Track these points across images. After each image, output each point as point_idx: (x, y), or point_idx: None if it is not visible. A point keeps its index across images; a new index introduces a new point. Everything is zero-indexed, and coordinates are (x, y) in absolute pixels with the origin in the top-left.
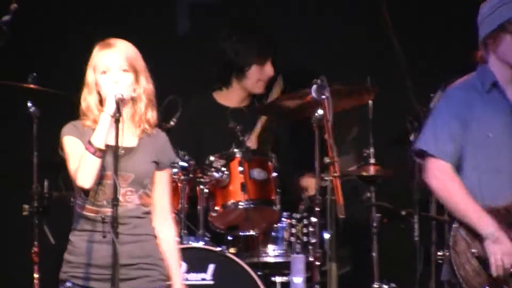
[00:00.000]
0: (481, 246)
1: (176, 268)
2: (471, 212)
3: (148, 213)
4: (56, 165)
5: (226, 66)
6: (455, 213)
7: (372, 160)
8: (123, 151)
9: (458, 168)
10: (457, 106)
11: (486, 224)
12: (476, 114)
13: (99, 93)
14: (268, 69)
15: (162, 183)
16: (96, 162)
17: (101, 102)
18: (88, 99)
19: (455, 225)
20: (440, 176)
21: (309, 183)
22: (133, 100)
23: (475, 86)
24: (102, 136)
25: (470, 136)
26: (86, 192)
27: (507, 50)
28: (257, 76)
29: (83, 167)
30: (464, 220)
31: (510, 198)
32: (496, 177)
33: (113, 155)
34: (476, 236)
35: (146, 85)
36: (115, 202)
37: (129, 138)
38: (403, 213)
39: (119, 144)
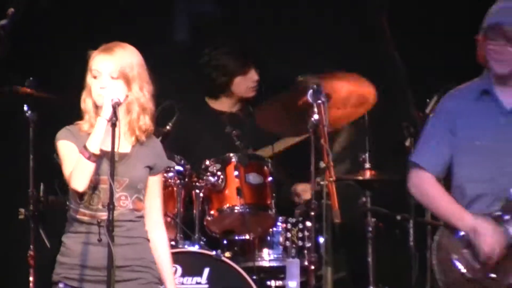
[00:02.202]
0: (459, 250)
1: (169, 270)
2: (449, 212)
3: (141, 217)
4: (52, 169)
5: (212, 80)
6: (439, 217)
7: (367, 165)
8: (117, 157)
9: (451, 175)
10: (445, 117)
11: (466, 220)
12: (464, 123)
13: (90, 95)
14: (253, 75)
15: (154, 187)
16: (90, 167)
17: (95, 104)
18: (86, 101)
19: (437, 236)
20: (418, 183)
21: (304, 189)
22: (127, 107)
23: (467, 94)
24: (98, 141)
25: (458, 144)
26: (81, 196)
27: (490, 58)
28: (243, 85)
29: (77, 171)
30: (447, 221)
31: (495, 205)
32: (482, 184)
33: (108, 160)
34: (457, 242)
35: (138, 93)
36: (111, 206)
37: (123, 144)
38: (399, 218)
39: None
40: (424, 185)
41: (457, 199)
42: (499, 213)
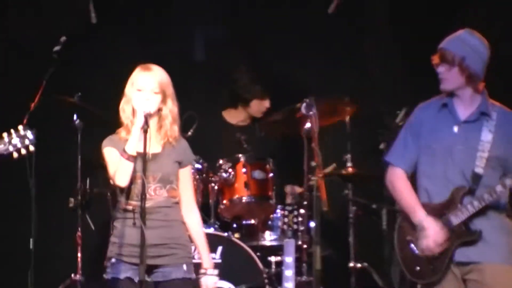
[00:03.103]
0: (412, 233)
1: (203, 245)
2: (408, 205)
3: (176, 203)
4: (95, 167)
5: (234, 95)
6: (400, 206)
7: (349, 164)
8: (150, 156)
9: (415, 172)
10: (413, 124)
11: (417, 215)
12: (426, 129)
13: (132, 106)
14: (266, 103)
15: (185, 178)
16: (129, 166)
17: (133, 111)
18: (125, 108)
19: (398, 220)
20: (392, 179)
21: (290, 191)
22: (160, 117)
23: (431, 107)
24: (133, 145)
25: (420, 147)
26: (122, 190)
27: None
28: (257, 108)
29: (119, 170)
30: (405, 211)
31: (446, 197)
32: (437, 180)
33: (142, 159)
34: (412, 226)
35: (171, 106)
36: (143, 196)
37: (155, 146)
38: (374, 206)
39: (147, 150)
40: (394, 180)
41: (418, 191)
42: (445, 203)
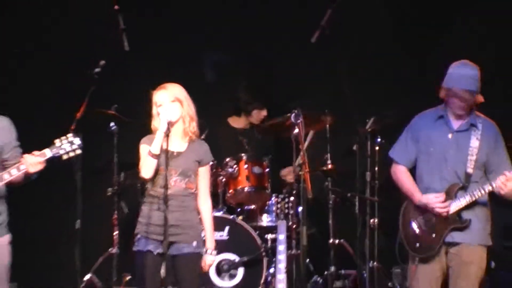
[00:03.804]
0: (414, 214)
1: (210, 230)
2: (408, 191)
3: (192, 193)
4: (128, 164)
5: (237, 107)
6: (403, 193)
7: (329, 161)
8: (175, 153)
9: (415, 168)
10: (413, 129)
11: (416, 196)
12: (424, 135)
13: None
14: (264, 113)
15: (203, 175)
16: (153, 162)
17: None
18: (155, 124)
19: (404, 204)
20: (396, 172)
21: (287, 172)
22: (182, 118)
23: (431, 116)
24: (158, 146)
25: (420, 149)
26: (149, 180)
27: (451, 103)
28: (256, 116)
29: (145, 165)
30: (407, 196)
31: (441, 190)
32: (434, 178)
33: (164, 156)
34: (413, 208)
35: (188, 108)
36: (166, 186)
37: (180, 144)
38: (349, 195)
39: (170, 149)
40: (397, 173)
41: (418, 182)
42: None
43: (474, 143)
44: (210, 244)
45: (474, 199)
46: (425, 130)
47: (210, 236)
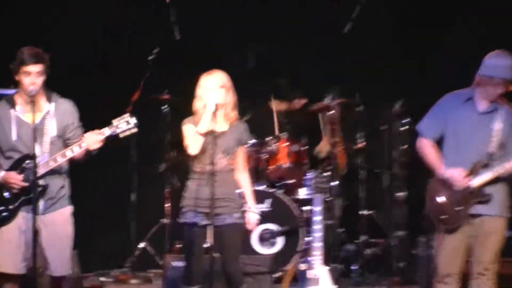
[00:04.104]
0: (439, 188)
1: (249, 194)
2: (433, 164)
3: (232, 169)
4: (179, 143)
5: (279, 93)
6: (429, 165)
7: (360, 141)
8: (218, 133)
9: (442, 142)
10: (443, 106)
11: (441, 169)
12: (453, 113)
13: (203, 101)
14: (303, 101)
15: (242, 153)
16: (200, 140)
17: (204, 106)
18: (198, 104)
19: (430, 181)
20: (421, 145)
21: (323, 147)
22: (226, 104)
23: (461, 97)
24: (205, 126)
25: (447, 126)
26: (195, 157)
27: (484, 90)
28: (297, 103)
29: (193, 143)
30: (433, 170)
31: (467, 167)
32: (459, 155)
33: (211, 136)
34: (438, 182)
35: (231, 97)
36: (212, 162)
37: (223, 126)
38: (377, 171)
39: (216, 129)
40: (423, 146)
41: (443, 158)
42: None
43: (497, 125)
44: (251, 204)
45: (496, 175)
46: (454, 110)
47: (251, 199)
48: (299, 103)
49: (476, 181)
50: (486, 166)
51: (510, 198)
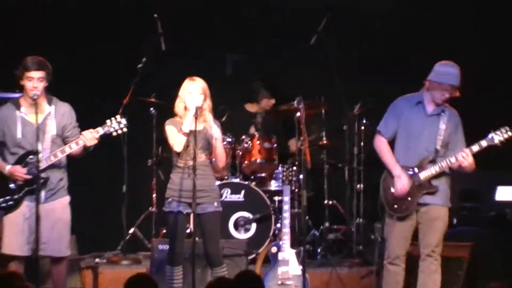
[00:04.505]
0: (392, 182)
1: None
2: (389, 163)
3: (210, 163)
4: (164, 140)
5: (251, 96)
6: (384, 163)
7: (324, 138)
8: (197, 132)
9: (394, 142)
10: (395, 108)
11: (396, 170)
12: (405, 115)
13: (184, 104)
14: (272, 101)
15: (217, 147)
16: (184, 139)
17: (184, 107)
18: (179, 105)
19: (384, 173)
20: (378, 144)
21: (292, 143)
22: (203, 108)
23: (411, 100)
24: (187, 126)
25: (400, 126)
26: (178, 154)
27: (434, 94)
28: (266, 103)
29: (177, 141)
30: (387, 167)
31: (415, 163)
32: (410, 152)
33: (192, 135)
34: (391, 177)
35: (208, 102)
36: (194, 158)
37: (199, 125)
38: (340, 165)
39: (196, 129)
40: (380, 145)
41: (395, 154)
42: (415, 168)
43: (442, 126)
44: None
45: (441, 170)
46: (406, 112)
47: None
48: (267, 103)
49: (424, 175)
50: (432, 161)
51: (451, 190)
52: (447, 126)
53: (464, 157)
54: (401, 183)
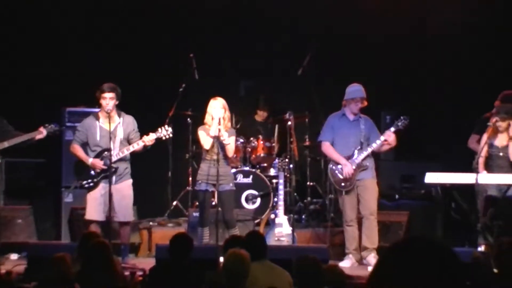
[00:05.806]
0: (338, 170)
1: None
2: (336, 157)
3: (227, 155)
4: (196, 141)
5: (257, 108)
6: (332, 159)
7: (307, 140)
8: (222, 137)
9: (333, 144)
10: (329, 122)
11: (342, 160)
12: (336, 125)
13: (211, 116)
14: (265, 114)
15: (227, 147)
16: (210, 140)
17: (211, 118)
18: (207, 118)
19: (330, 164)
20: (325, 148)
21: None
22: (224, 118)
23: (338, 115)
24: (213, 132)
25: (334, 132)
26: (206, 150)
27: (352, 107)
28: (262, 115)
29: (205, 142)
30: (335, 160)
31: (349, 153)
32: (343, 147)
33: (216, 138)
34: (335, 166)
35: (228, 114)
36: (217, 153)
37: (222, 131)
38: (318, 158)
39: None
40: (325, 148)
41: (336, 150)
42: (351, 156)
43: (362, 126)
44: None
45: (367, 154)
46: (336, 123)
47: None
48: (263, 114)
49: (358, 159)
50: (360, 149)
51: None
52: (365, 126)
53: (387, 139)
54: (348, 168)
